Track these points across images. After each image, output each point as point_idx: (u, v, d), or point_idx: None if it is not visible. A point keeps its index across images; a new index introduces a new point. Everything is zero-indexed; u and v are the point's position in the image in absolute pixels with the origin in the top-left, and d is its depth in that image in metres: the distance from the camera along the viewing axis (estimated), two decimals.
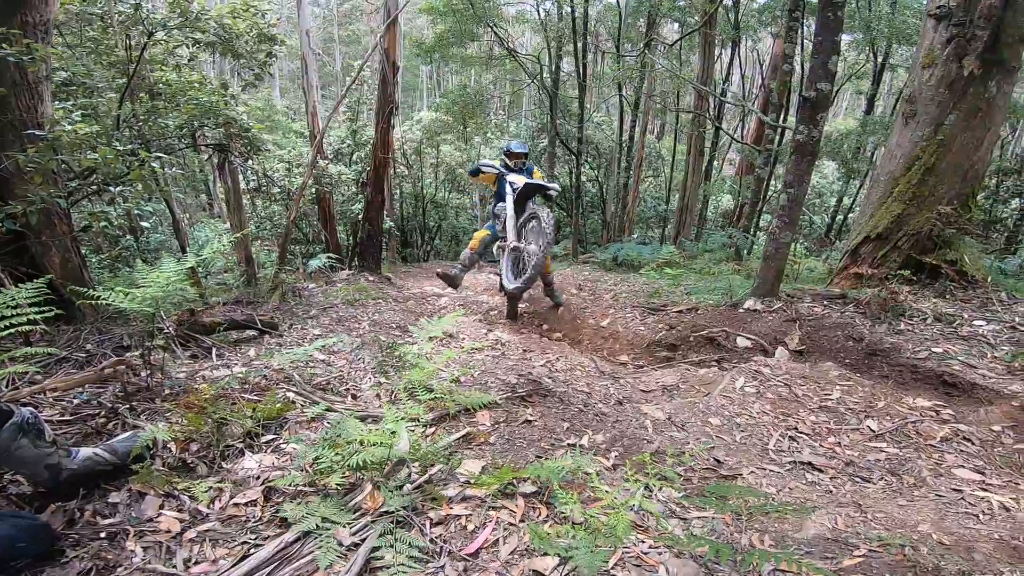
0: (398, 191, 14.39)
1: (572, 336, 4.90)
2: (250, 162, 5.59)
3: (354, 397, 2.45)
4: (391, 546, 1.26)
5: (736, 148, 15.01)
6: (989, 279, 4.14)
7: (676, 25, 13.68)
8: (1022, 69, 4.34)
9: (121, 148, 3.32)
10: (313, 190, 7.41)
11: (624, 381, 3.27)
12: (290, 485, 1.52)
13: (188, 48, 4.75)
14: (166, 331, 2.67)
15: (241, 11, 4.99)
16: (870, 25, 10.32)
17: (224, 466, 1.77)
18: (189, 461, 1.79)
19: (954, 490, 2.22)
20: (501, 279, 4.94)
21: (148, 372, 2.18)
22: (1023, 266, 5.84)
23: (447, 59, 13.42)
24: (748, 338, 3.77)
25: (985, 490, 2.21)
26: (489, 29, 11.75)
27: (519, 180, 4.79)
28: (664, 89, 14.86)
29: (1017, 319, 3.77)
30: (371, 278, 6.26)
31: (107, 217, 3.83)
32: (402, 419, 1.52)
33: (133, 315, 2.47)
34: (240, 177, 6.49)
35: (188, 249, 5.41)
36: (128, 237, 6.07)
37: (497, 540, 1.41)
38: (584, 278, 7.67)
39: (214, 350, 2.87)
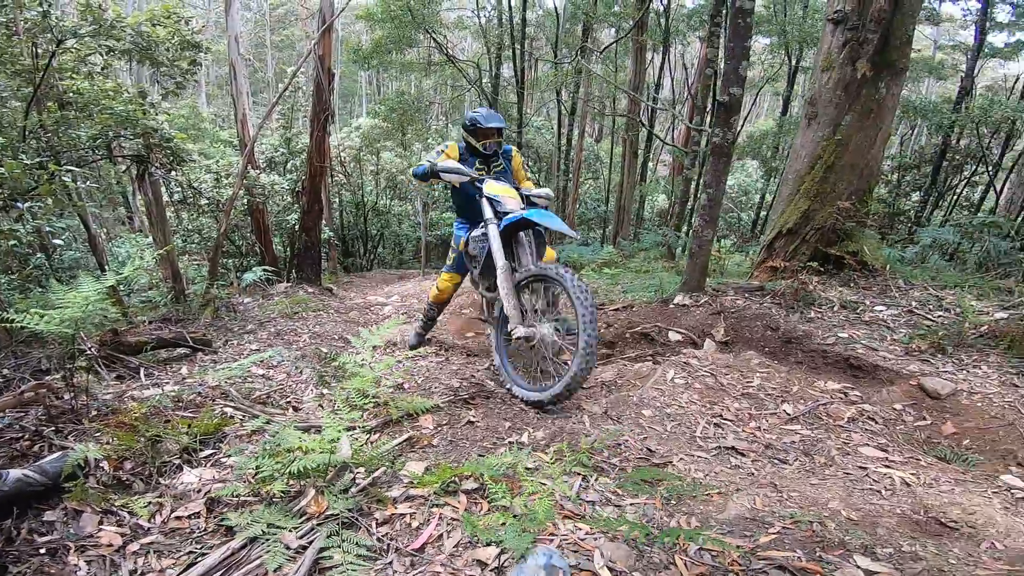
0: (337, 200, 14.08)
1: None
2: (173, 173, 5.33)
3: (296, 409, 2.44)
4: (339, 546, 1.30)
5: (667, 149, 15.71)
6: (888, 267, 4.58)
7: (614, 31, 14.13)
8: (909, 69, 4.70)
9: (28, 161, 3.13)
10: (245, 201, 7.16)
11: None
12: (232, 495, 1.53)
13: (102, 56, 4.50)
14: (88, 352, 2.55)
15: (162, 18, 4.77)
16: (785, 29, 11.07)
17: (162, 482, 1.76)
18: (124, 479, 1.76)
19: (860, 467, 2.38)
20: (497, 364, 3.03)
21: (72, 394, 2.09)
22: (924, 256, 6.47)
23: (385, 65, 13.27)
24: (679, 332, 4.00)
25: (888, 467, 2.39)
26: (428, 35, 11.74)
27: (507, 197, 3.07)
28: (601, 94, 15.34)
29: (913, 303, 4.19)
30: (311, 290, 6.13)
31: (15, 235, 3.58)
32: (341, 426, 1.55)
33: (51, 337, 2.34)
34: (163, 189, 6.18)
35: (107, 266, 5.11)
36: (39, 255, 5.65)
37: (441, 535, 1.47)
38: None
39: (142, 370, 2.76)
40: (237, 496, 1.54)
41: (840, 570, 1.41)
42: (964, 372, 3.31)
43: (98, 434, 1.91)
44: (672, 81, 15.37)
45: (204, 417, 1.90)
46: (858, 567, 1.42)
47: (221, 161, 8.85)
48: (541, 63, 16.36)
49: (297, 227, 7.55)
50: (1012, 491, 2.28)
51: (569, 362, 2.67)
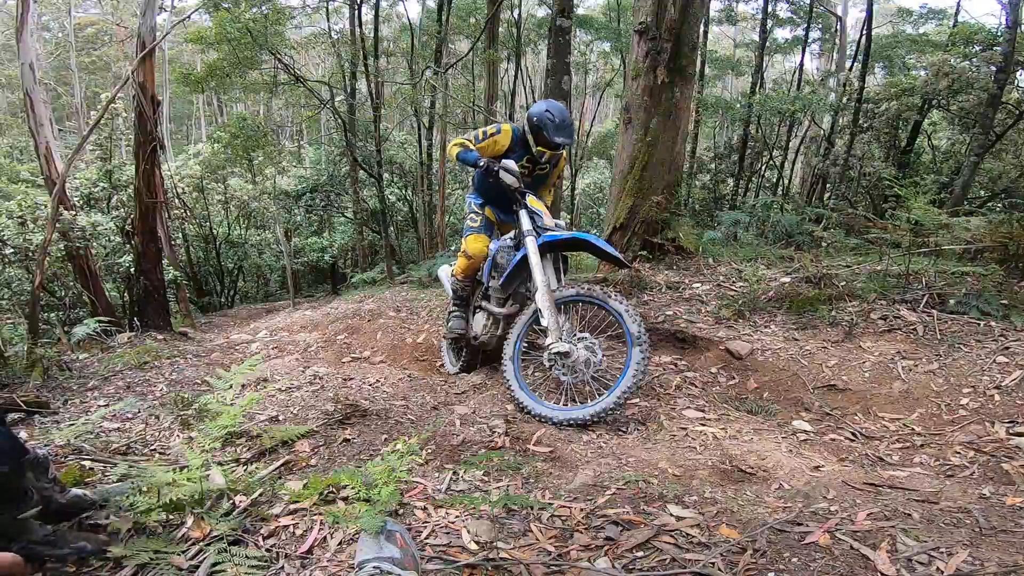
0: (180, 235, 12.82)
1: (392, 356, 5.11)
2: None
3: (162, 454, 2.38)
4: (230, 560, 1.38)
5: None
6: (700, 249, 5.44)
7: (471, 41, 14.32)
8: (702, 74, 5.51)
9: None
10: (62, 246, 6.34)
11: (440, 389, 3.56)
12: (111, 531, 1.53)
13: None
14: None
15: None
16: (620, 34, 12.17)
17: None
18: None
19: (682, 428, 2.72)
20: (510, 387, 3.00)
21: None
22: (734, 235, 7.67)
23: (223, 88, 12.24)
24: None
25: (704, 425, 2.74)
26: (273, 56, 11.06)
27: (545, 214, 3.10)
28: (462, 103, 15.62)
29: (720, 278, 4.99)
30: (160, 337, 5.65)
31: None
32: (211, 459, 1.61)
33: None
34: None
35: None
36: None
37: (326, 537, 1.60)
38: (402, 299, 7.85)
39: None
40: (115, 532, 1.55)
41: (658, 518, 1.69)
42: (758, 333, 3.86)
43: None
44: (525, 89, 16.20)
45: (61, 474, 1.84)
46: (671, 514, 1.71)
47: (25, 203, 7.68)
48: (400, 77, 16.19)
49: (133, 270, 6.84)
50: (798, 435, 2.73)
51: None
